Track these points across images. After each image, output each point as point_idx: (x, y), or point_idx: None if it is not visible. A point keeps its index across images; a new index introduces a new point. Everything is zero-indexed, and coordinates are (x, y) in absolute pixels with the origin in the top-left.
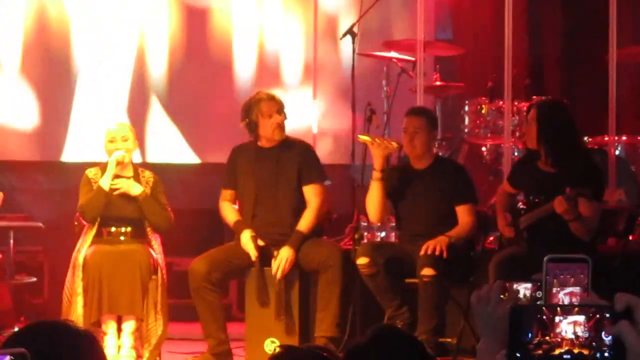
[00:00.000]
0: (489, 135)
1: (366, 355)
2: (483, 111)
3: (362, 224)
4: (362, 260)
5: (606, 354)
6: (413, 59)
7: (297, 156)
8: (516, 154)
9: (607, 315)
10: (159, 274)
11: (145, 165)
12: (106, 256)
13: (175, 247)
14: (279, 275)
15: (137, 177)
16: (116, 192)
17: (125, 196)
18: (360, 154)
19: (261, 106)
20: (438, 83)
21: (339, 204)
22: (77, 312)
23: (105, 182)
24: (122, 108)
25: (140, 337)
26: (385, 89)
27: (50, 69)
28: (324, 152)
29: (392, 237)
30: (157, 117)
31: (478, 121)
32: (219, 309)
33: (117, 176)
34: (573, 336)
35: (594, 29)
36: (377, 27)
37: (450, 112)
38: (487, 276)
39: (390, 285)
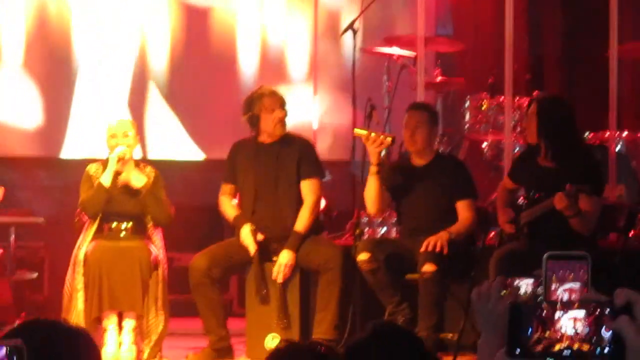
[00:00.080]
0: (489, 131)
1: (366, 351)
2: (484, 107)
3: (363, 219)
4: (362, 256)
5: (606, 350)
6: (414, 54)
7: (296, 152)
8: (517, 149)
9: (607, 310)
10: (160, 270)
11: (146, 161)
12: (107, 252)
13: (175, 243)
14: (279, 280)
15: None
16: (120, 182)
17: (126, 192)
18: (360, 149)
19: (264, 101)
20: (439, 79)
21: (340, 200)
22: (77, 308)
23: (106, 179)
24: (123, 104)
25: (140, 333)
26: (385, 84)
27: (52, 66)
28: (325, 148)
29: (393, 233)
30: (158, 113)
31: (479, 117)
32: (220, 305)
33: (118, 172)
34: (573, 332)
35: (594, 25)
36: (378, 23)
37: (451, 108)
38: (488, 272)
39: (391, 281)
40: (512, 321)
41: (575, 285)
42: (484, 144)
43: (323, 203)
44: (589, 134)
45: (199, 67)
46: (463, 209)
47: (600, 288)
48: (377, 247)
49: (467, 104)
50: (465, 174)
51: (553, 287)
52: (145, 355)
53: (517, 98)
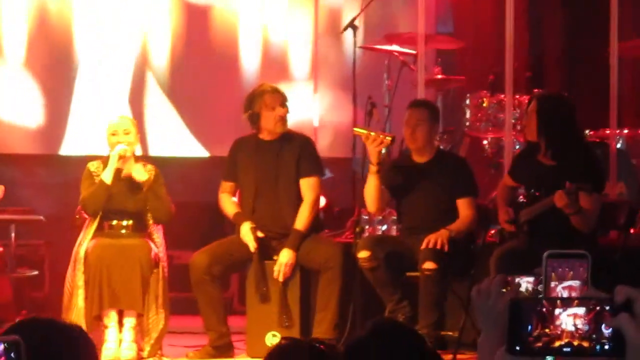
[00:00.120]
0: (490, 128)
1: (366, 349)
2: (484, 104)
3: (363, 217)
4: (362, 254)
5: (606, 347)
6: (414, 52)
7: (296, 149)
8: (517, 147)
9: (607, 307)
10: (160, 268)
11: (147, 158)
12: (107, 250)
13: (176, 241)
14: (280, 279)
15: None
16: (123, 175)
17: (127, 189)
18: (360, 147)
19: (265, 98)
20: (439, 76)
21: (340, 198)
22: (78, 306)
23: (107, 176)
24: (123, 102)
25: (141, 330)
26: (386, 82)
27: (53, 64)
28: (325, 145)
29: (393, 231)
30: (159, 111)
31: (479, 114)
32: (220, 302)
33: (119, 170)
34: (573, 328)
35: (594, 23)
36: (378, 20)
37: (452, 105)
38: (488, 270)
39: (391, 279)
40: (512, 317)
41: (575, 283)
42: (485, 142)
43: (323, 201)
44: (590, 131)
45: (200, 65)
46: (463, 206)
47: (601, 285)
48: (377, 245)
49: (468, 101)
50: (466, 172)
51: (552, 284)
52: (146, 353)
53: (518, 96)
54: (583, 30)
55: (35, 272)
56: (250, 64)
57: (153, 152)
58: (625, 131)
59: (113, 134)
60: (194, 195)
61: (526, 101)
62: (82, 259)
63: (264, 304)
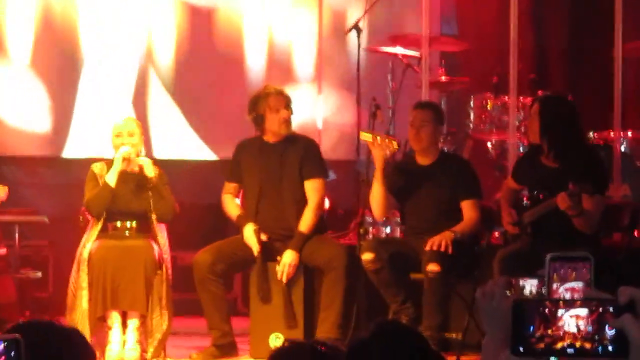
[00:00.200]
0: (494, 130)
1: (369, 351)
2: (488, 106)
3: (367, 219)
4: (366, 256)
5: (609, 347)
6: (418, 54)
7: (300, 151)
8: (521, 149)
9: (610, 308)
10: (164, 269)
11: (151, 159)
12: (111, 251)
13: (179, 242)
14: (284, 279)
15: (142, 171)
16: (131, 168)
17: (131, 190)
18: (365, 149)
19: (269, 100)
20: (443, 78)
21: (344, 199)
22: (82, 307)
23: (111, 178)
24: (127, 103)
25: (145, 332)
26: (390, 84)
27: (58, 66)
28: (329, 147)
29: (397, 233)
30: (163, 112)
31: (483, 116)
32: (223, 301)
33: (123, 172)
34: (575, 329)
35: (599, 23)
36: (382, 22)
37: (455, 107)
38: (492, 271)
39: (395, 280)
40: (515, 318)
41: (578, 284)
42: (488, 144)
43: (327, 202)
44: (594, 133)
45: (205, 67)
46: (467, 208)
47: (604, 287)
48: (381, 247)
49: (472, 103)
50: (470, 174)
51: (554, 286)
52: (149, 354)
53: (522, 97)
54: (587, 32)
55: (39, 273)
56: (254, 65)
57: (157, 153)
58: (630, 134)
59: (117, 136)
60: (197, 196)
61: (530, 103)
62: (86, 260)
63: (267, 305)
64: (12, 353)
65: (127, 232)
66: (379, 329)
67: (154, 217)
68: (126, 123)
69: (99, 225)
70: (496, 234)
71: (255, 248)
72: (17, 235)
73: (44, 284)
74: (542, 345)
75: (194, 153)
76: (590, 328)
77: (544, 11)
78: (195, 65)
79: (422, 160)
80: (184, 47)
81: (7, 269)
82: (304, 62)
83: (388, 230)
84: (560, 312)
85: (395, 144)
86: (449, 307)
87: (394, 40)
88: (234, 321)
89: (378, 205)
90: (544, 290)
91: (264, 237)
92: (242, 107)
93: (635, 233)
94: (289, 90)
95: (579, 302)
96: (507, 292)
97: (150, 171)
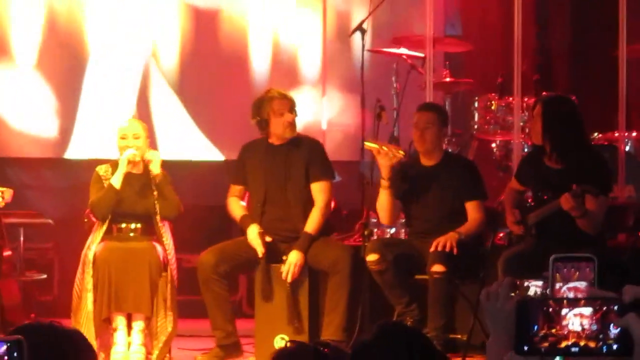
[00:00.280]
0: (498, 131)
1: (373, 352)
2: (492, 107)
3: (372, 220)
4: (371, 257)
5: (614, 346)
6: (422, 55)
7: (306, 153)
8: (526, 150)
9: (615, 307)
10: (169, 271)
11: None
12: (116, 253)
13: (184, 244)
14: (289, 279)
15: (146, 173)
16: (139, 160)
17: (136, 193)
18: (369, 150)
19: (273, 104)
20: (447, 79)
21: (349, 201)
22: (87, 309)
23: (116, 181)
24: (132, 105)
25: (149, 334)
26: (394, 85)
27: (63, 68)
28: (333, 148)
29: (402, 234)
30: (168, 114)
31: (487, 117)
32: (227, 301)
33: (127, 174)
34: (579, 328)
35: (603, 24)
36: (386, 23)
37: (460, 108)
38: (497, 272)
39: (400, 281)
40: (520, 318)
41: (581, 284)
42: (493, 145)
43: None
44: (598, 134)
45: (210, 69)
46: (472, 209)
47: (609, 287)
48: (386, 248)
49: (476, 104)
50: (474, 175)
51: (557, 286)
52: (154, 356)
53: (526, 98)
54: (591, 32)
55: (44, 276)
56: (259, 67)
57: (161, 154)
58: (634, 134)
59: (123, 138)
60: (202, 198)
61: (532, 104)
62: (91, 262)
63: (271, 307)
64: (15, 354)
65: (131, 234)
66: (383, 331)
67: (158, 218)
68: (131, 125)
69: (104, 227)
70: (501, 234)
71: (260, 249)
72: (21, 237)
73: (49, 286)
74: (546, 344)
75: (198, 154)
76: (594, 327)
77: (548, 12)
78: (200, 66)
79: (426, 161)
80: (189, 48)
81: (12, 271)
82: (308, 63)
83: (393, 231)
84: (564, 311)
85: (401, 152)
86: (454, 308)
87: (398, 41)
88: (238, 323)
89: (385, 213)
90: (548, 292)
91: (268, 238)
92: (246, 108)
93: None
94: (293, 92)
95: (583, 301)
96: (512, 293)
97: (157, 168)
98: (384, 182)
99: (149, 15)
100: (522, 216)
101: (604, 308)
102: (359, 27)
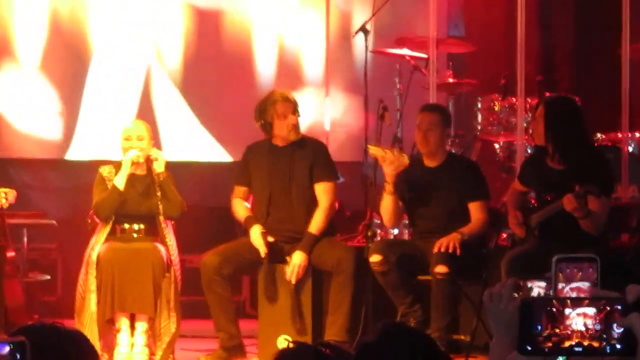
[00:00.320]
0: (501, 132)
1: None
2: (496, 108)
3: (375, 221)
4: (374, 258)
5: (617, 346)
6: (425, 56)
7: (310, 154)
8: (529, 150)
9: (618, 307)
10: (172, 272)
11: None
12: (119, 253)
13: (187, 244)
14: (293, 280)
15: (150, 174)
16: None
17: (139, 193)
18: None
19: (277, 107)
20: (450, 80)
21: (352, 202)
22: (90, 310)
23: (120, 182)
24: (135, 106)
25: (153, 334)
26: (397, 86)
27: (66, 69)
28: (337, 149)
29: (405, 235)
30: (172, 115)
31: (491, 118)
32: (230, 303)
33: (131, 175)
34: (583, 328)
35: (606, 24)
36: (389, 24)
37: (463, 109)
38: (500, 273)
39: (403, 282)
40: (523, 317)
41: (584, 284)
42: (496, 145)
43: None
44: (602, 135)
45: (213, 69)
46: (475, 210)
47: (612, 287)
48: (389, 249)
49: (479, 105)
50: (477, 175)
51: (560, 286)
52: (158, 357)
53: (529, 99)
54: (594, 33)
55: (48, 276)
56: (262, 67)
57: (165, 155)
58: (637, 135)
59: (127, 139)
60: (206, 198)
61: (535, 105)
62: (94, 263)
63: (275, 308)
64: (18, 356)
65: (135, 235)
66: (386, 331)
67: (161, 219)
68: (136, 127)
69: (107, 228)
70: (504, 235)
71: (262, 249)
72: (25, 238)
73: (52, 287)
74: (549, 344)
75: (201, 155)
76: (598, 327)
77: (551, 12)
78: (203, 68)
79: (430, 162)
80: (192, 49)
81: (15, 272)
82: (312, 64)
83: (396, 232)
84: (567, 311)
85: (406, 158)
86: (457, 309)
87: (401, 42)
88: (242, 324)
89: (389, 217)
90: (551, 293)
91: (270, 238)
92: (250, 108)
93: None
94: (297, 92)
95: (586, 301)
96: (515, 294)
97: (161, 166)
98: (389, 187)
99: (151, 16)
100: (524, 217)
101: (608, 308)
102: (362, 28)
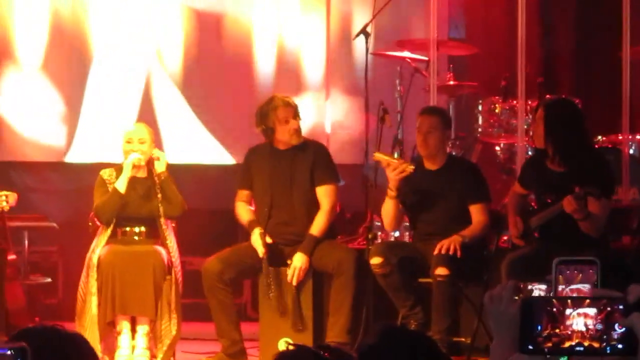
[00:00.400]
0: (502, 134)
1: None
2: (496, 110)
3: (376, 223)
4: (375, 260)
5: (618, 346)
6: (426, 58)
7: (311, 157)
8: (529, 153)
9: (619, 307)
10: (173, 274)
11: None
12: (120, 256)
13: (188, 247)
14: (294, 282)
15: (151, 176)
16: (146, 159)
17: (140, 196)
18: (373, 153)
19: (278, 113)
20: (451, 82)
21: (353, 204)
22: (91, 312)
23: (121, 185)
24: (136, 109)
25: (154, 337)
26: (398, 88)
27: (66, 72)
28: (337, 151)
29: (406, 237)
30: (172, 118)
31: (491, 120)
32: (232, 309)
33: (132, 178)
34: (584, 328)
35: (606, 26)
36: (390, 26)
37: (464, 111)
38: (501, 275)
39: (404, 284)
40: (524, 317)
41: (584, 286)
42: (497, 148)
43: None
44: (602, 137)
45: (214, 72)
46: (476, 212)
47: (613, 289)
48: (389, 251)
49: (480, 107)
50: (478, 177)
51: (560, 288)
52: (159, 359)
53: (530, 101)
54: (595, 35)
55: (49, 279)
56: (263, 70)
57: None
58: (638, 137)
59: (128, 142)
60: (207, 201)
61: (535, 107)
62: (95, 266)
63: (276, 310)
64: None
65: (136, 238)
66: (387, 334)
67: (162, 221)
68: (137, 129)
69: (108, 231)
70: (504, 237)
71: (260, 250)
72: (26, 241)
73: (54, 290)
74: (549, 344)
75: (202, 157)
76: (599, 327)
77: (552, 14)
78: (204, 70)
79: (430, 165)
80: (192, 51)
81: (16, 274)
82: (312, 66)
83: (397, 234)
84: (568, 311)
85: (411, 168)
86: (458, 311)
87: (402, 44)
88: (243, 326)
89: (390, 221)
90: (551, 295)
91: (269, 239)
92: (251, 111)
93: None
94: (297, 95)
95: (587, 301)
96: (515, 296)
97: (162, 166)
98: (391, 193)
99: (152, 17)
100: (525, 219)
101: (609, 308)
102: (363, 31)
